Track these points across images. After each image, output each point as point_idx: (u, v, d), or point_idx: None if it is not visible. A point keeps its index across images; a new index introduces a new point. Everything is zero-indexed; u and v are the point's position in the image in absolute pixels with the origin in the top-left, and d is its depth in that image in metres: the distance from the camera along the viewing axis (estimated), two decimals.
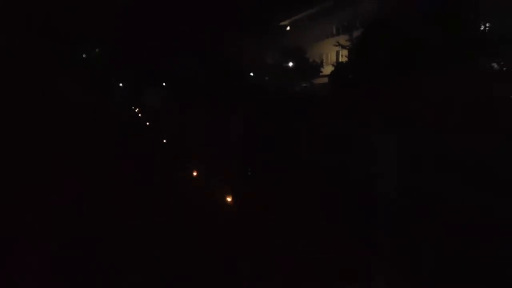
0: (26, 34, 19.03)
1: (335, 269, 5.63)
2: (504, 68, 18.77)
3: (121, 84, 47.60)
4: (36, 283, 5.27)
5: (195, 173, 10.71)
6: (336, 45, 29.16)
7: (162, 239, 6.59)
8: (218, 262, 5.81)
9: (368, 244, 6.41)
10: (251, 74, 35.20)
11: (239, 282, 5.35)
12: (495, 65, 18.97)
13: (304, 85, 27.75)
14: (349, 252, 6.12)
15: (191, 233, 6.85)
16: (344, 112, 15.70)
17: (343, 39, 30.50)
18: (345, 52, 34.78)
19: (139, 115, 31.87)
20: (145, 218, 7.55)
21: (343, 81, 22.45)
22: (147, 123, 25.16)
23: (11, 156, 11.83)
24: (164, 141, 17.86)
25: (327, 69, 31.77)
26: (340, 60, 35.08)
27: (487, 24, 25.05)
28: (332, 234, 6.88)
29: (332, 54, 39.01)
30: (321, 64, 31.92)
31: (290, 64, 31.20)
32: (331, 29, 41.01)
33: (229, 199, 8.15)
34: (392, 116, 16.03)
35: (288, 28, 49.53)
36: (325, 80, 31.80)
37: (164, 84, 42.08)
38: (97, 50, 24.68)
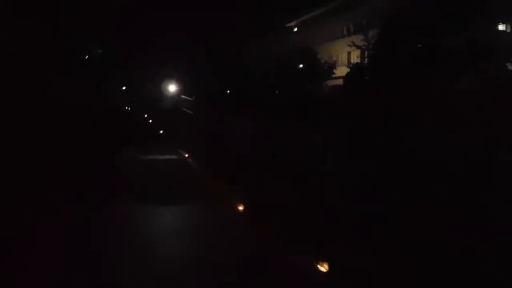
0: (27, 34, 18.15)
1: None
2: None
3: (125, 87, 46.20)
4: None
5: None
6: (351, 45, 27.90)
7: None
8: None
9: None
10: (257, 76, 34.02)
11: None
12: None
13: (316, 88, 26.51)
14: None
15: None
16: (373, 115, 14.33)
17: (357, 39, 29.31)
18: (357, 53, 33.73)
19: (149, 120, 30.33)
20: None
21: (363, 83, 21.18)
22: (161, 130, 23.52)
23: (11, 156, 11.50)
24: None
25: (339, 71, 30.60)
26: (352, 61, 33.91)
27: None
28: None
29: (343, 55, 37.77)
30: (333, 66, 30.66)
31: (301, 66, 29.97)
32: (341, 29, 39.81)
33: None
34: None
35: (295, 29, 48.36)
36: (334, 82, 30.71)
37: (172, 86, 40.65)
38: (100, 51, 23.52)
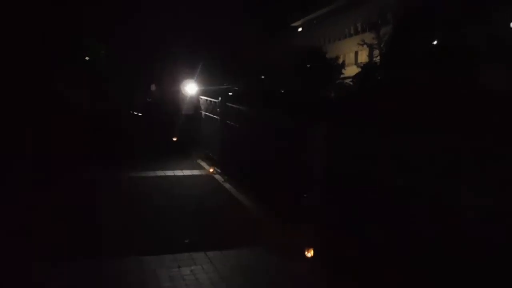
0: (27, 35, 17.49)
1: None
2: None
3: (128, 88, 45.17)
4: None
5: None
6: (362, 44, 27.12)
7: None
8: None
9: None
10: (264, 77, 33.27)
11: None
12: None
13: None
14: None
15: None
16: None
17: (366, 37, 28.53)
18: (365, 52, 32.97)
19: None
20: None
21: (377, 84, 20.34)
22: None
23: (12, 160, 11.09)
24: None
25: (347, 71, 29.84)
26: (359, 60, 33.11)
27: None
28: None
29: (350, 54, 37.02)
30: (342, 66, 29.80)
31: (308, 66, 29.15)
32: (349, 28, 39.06)
33: None
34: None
35: (300, 29, 47.64)
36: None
37: (192, 86, 39.49)
38: (103, 52, 22.71)
